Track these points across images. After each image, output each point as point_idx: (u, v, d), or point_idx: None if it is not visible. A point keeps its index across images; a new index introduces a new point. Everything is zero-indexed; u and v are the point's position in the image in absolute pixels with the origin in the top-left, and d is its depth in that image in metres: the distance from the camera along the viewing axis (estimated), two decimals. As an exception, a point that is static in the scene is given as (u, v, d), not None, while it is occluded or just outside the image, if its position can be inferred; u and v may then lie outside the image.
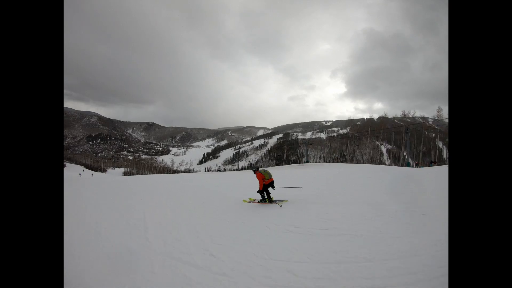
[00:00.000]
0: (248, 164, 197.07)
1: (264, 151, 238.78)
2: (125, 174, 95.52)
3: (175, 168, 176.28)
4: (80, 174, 65.40)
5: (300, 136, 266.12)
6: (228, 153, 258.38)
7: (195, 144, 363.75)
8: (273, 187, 9.41)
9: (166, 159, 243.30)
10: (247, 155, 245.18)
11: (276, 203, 8.92)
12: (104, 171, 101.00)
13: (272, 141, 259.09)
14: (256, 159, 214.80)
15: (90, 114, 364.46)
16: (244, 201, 9.86)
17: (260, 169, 9.39)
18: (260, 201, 9.36)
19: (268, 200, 9.23)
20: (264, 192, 9.24)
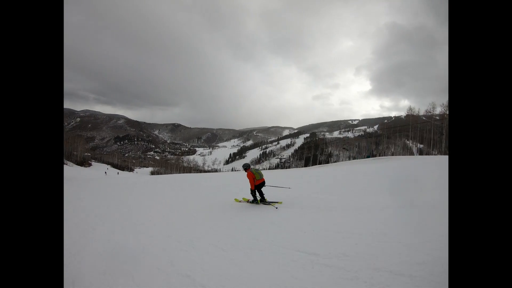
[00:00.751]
0: (276, 164, 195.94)
1: (291, 150, 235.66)
2: (152, 173, 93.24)
3: (206, 168, 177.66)
4: (105, 172, 63.24)
5: (328, 135, 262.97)
6: (254, 153, 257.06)
7: (220, 144, 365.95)
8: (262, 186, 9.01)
9: (194, 159, 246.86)
10: (274, 155, 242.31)
11: (271, 204, 8.46)
12: (132, 170, 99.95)
13: (299, 140, 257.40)
14: (284, 159, 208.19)
15: (118, 117, 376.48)
16: (236, 200, 9.68)
17: (251, 168, 8.99)
18: (252, 202, 9.10)
19: (261, 201, 8.90)
20: (256, 193, 8.91)
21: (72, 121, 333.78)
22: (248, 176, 8.66)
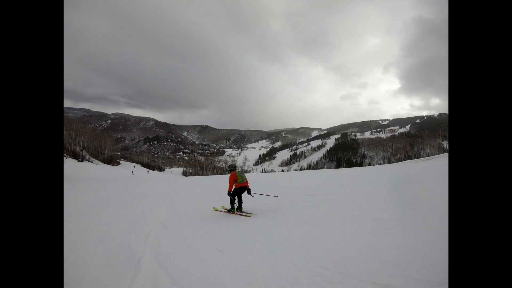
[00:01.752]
0: (307, 165, 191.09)
1: (323, 151, 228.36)
2: (184, 173, 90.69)
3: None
4: (132, 172, 60.08)
5: (359, 136, 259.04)
6: (284, 154, 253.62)
7: (249, 145, 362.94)
8: (250, 193, 8.22)
9: (225, 160, 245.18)
10: (305, 156, 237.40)
11: (244, 215, 7.66)
12: (162, 170, 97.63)
13: (330, 141, 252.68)
14: (315, 160, 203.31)
15: (147, 119, 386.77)
16: (214, 209, 8.79)
17: (236, 170, 8.34)
18: (228, 211, 8.20)
19: (237, 210, 8.05)
20: (236, 199, 8.07)
21: (103, 123, 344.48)
22: (230, 176, 7.98)
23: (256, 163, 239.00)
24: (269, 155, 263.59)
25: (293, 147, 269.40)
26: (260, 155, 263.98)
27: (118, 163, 77.93)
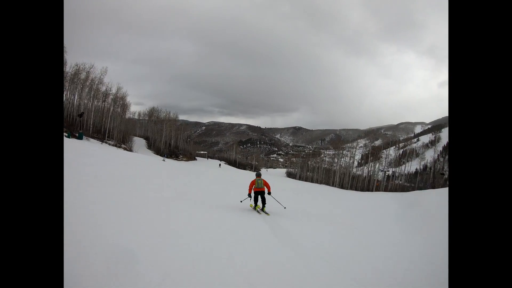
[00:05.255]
0: (423, 165, 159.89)
1: (439, 148, 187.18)
2: (289, 174, 78.87)
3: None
4: (220, 165, 65.21)
5: None
6: (390, 153, 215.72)
7: (346, 145, 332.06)
8: (269, 194, 10.36)
9: (323, 161, 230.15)
10: (417, 154, 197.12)
11: (261, 213, 9.86)
12: (257, 169, 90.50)
13: (444, 135, 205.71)
14: (430, 159, 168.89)
15: (240, 124, 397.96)
16: (250, 205, 10.64)
17: (259, 178, 10.43)
18: (254, 208, 10.34)
19: (255, 208, 10.24)
20: (253, 200, 10.29)
21: (198, 130, 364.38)
22: (251, 182, 10.32)
23: (359, 164, 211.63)
24: (373, 154, 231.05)
25: (400, 145, 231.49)
26: (362, 155, 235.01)
27: (195, 159, 73.78)
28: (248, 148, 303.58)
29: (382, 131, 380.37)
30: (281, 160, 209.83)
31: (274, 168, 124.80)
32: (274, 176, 48.91)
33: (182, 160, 62.11)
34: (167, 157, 46.93)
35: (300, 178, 62.88)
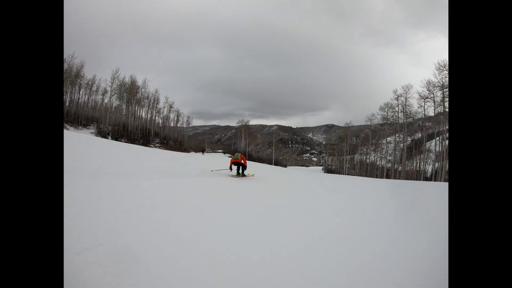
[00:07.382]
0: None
1: None
2: (328, 171, 77.47)
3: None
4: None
5: None
6: (434, 146, 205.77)
7: (384, 140, 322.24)
8: (238, 167, 13.29)
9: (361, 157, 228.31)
10: None
11: (241, 176, 12.85)
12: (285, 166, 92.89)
13: None
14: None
15: (271, 126, 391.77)
16: (248, 174, 13.45)
17: (238, 153, 13.31)
18: (236, 175, 13.09)
19: (237, 174, 13.06)
20: (235, 170, 13.39)
21: (228, 132, 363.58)
22: (242, 157, 12.95)
23: (401, 159, 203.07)
24: (416, 148, 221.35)
25: (443, 136, 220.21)
26: (403, 149, 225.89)
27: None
28: (279, 148, 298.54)
29: (421, 122, 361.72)
30: (315, 159, 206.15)
31: (307, 166, 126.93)
32: (311, 172, 48.35)
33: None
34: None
35: (340, 173, 63.72)
